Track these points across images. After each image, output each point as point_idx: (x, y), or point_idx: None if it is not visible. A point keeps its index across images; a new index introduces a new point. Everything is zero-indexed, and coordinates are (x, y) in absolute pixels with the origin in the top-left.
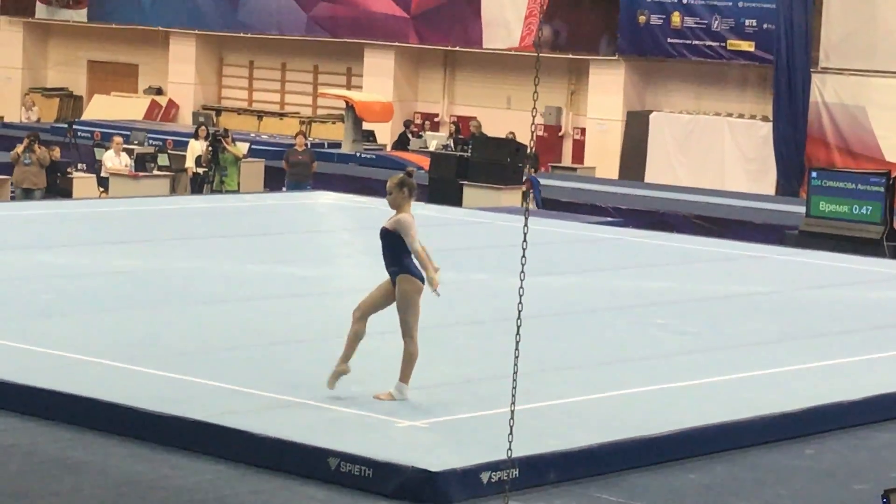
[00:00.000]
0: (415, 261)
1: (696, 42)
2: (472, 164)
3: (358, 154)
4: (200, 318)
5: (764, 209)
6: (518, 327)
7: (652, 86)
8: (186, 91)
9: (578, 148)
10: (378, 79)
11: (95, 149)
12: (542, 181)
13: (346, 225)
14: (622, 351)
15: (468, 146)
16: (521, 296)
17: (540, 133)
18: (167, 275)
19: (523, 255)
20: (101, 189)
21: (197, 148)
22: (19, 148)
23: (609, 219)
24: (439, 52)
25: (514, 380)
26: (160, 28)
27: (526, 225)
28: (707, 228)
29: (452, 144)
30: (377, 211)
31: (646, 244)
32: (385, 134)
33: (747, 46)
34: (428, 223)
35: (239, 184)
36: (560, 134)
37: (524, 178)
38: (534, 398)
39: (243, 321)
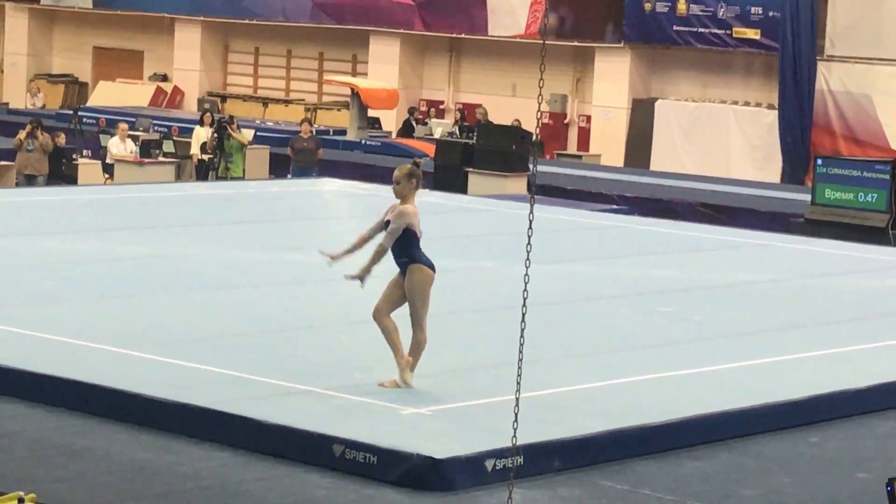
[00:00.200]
0: (422, 250)
1: (702, 30)
2: (478, 152)
3: (363, 141)
4: (205, 304)
5: (769, 197)
6: (523, 315)
7: (657, 73)
8: (192, 78)
9: (584, 135)
10: (383, 66)
11: (100, 135)
12: (548, 169)
13: (351, 212)
14: (627, 339)
15: (473, 133)
16: (526, 283)
17: (545, 120)
18: (172, 261)
19: (528, 243)
20: (107, 175)
21: (202, 135)
22: (22, 134)
23: (614, 206)
24: (444, 40)
25: (519, 367)
26: (165, 14)
27: (531, 212)
28: (712, 216)
29: (458, 132)
30: (382, 198)
31: (651, 232)
32: (390, 121)
33: (753, 34)
34: (433, 210)
35: (244, 170)
36: (565, 121)
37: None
38: (539, 386)
39: (248, 308)
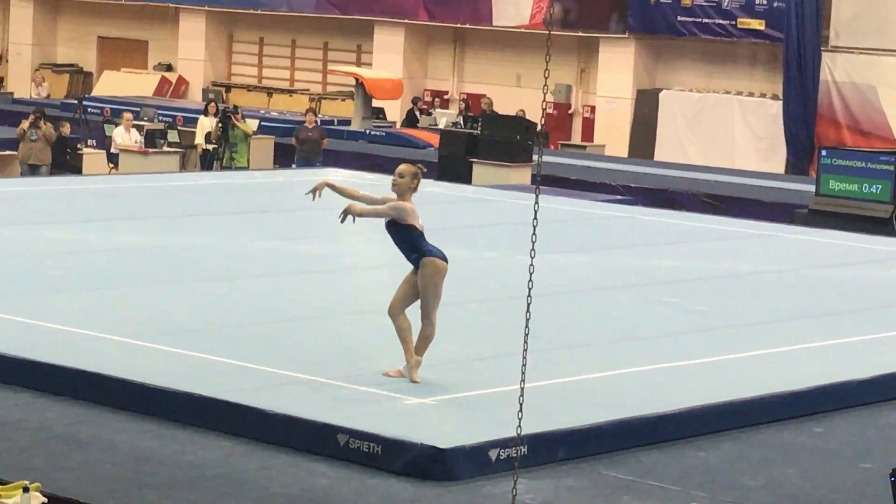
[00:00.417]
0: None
1: (707, 20)
2: (482, 142)
3: (367, 131)
4: (210, 294)
5: (773, 188)
6: (528, 305)
7: (662, 64)
8: (196, 67)
9: (588, 126)
10: (388, 56)
11: (105, 125)
12: (552, 159)
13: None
14: (631, 329)
15: (477, 124)
16: (530, 273)
17: (550, 111)
18: (176, 251)
19: (533, 233)
20: (111, 165)
21: (207, 124)
22: (25, 124)
23: (618, 197)
24: (449, 30)
25: (524, 357)
26: (170, 4)
27: (536, 202)
28: (716, 207)
29: (462, 122)
30: (386, 188)
31: (655, 222)
32: (395, 111)
33: (758, 25)
34: (437, 201)
35: (249, 160)
36: (570, 112)
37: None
38: (543, 376)
39: (253, 298)
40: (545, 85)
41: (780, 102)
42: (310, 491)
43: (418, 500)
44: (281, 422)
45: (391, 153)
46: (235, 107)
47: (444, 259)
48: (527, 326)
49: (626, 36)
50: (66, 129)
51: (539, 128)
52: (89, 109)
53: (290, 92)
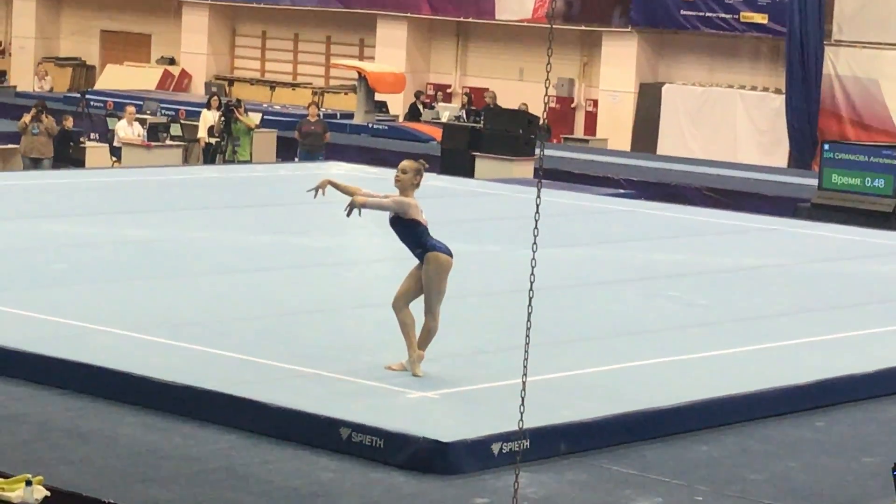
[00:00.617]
0: (434, 237)
1: (709, 14)
2: (485, 136)
3: (370, 125)
4: (212, 288)
5: (776, 182)
6: (530, 299)
7: (664, 58)
8: (199, 61)
9: (591, 120)
10: (391, 50)
11: (108, 118)
12: (555, 153)
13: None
14: (633, 323)
15: (480, 117)
16: (533, 267)
17: (552, 105)
18: (179, 245)
19: (535, 227)
20: (114, 159)
21: (209, 118)
22: (27, 117)
23: (621, 191)
24: (452, 24)
25: (526, 351)
26: None
27: (539, 196)
28: (719, 201)
29: (465, 116)
30: (389, 182)
31: (658, 216)
32: (397, 105)
33: (760, 19)
34: (440, 194)
35: (251, 154)
36: (572, 105)
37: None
38: (545, 370)
39: (255, 291)
40: (547, 79)
41: (783, 96)
42: (312, 484)
43: (421, 493)
44: (283, 415)
45: (394, 147)
46: (238, 100)
47: (449, 254)
48: (529, 320)
49: (629, 30)
50: (69, 123)
51: (541, 122)
52: (92, 103)
53: (293, 86)
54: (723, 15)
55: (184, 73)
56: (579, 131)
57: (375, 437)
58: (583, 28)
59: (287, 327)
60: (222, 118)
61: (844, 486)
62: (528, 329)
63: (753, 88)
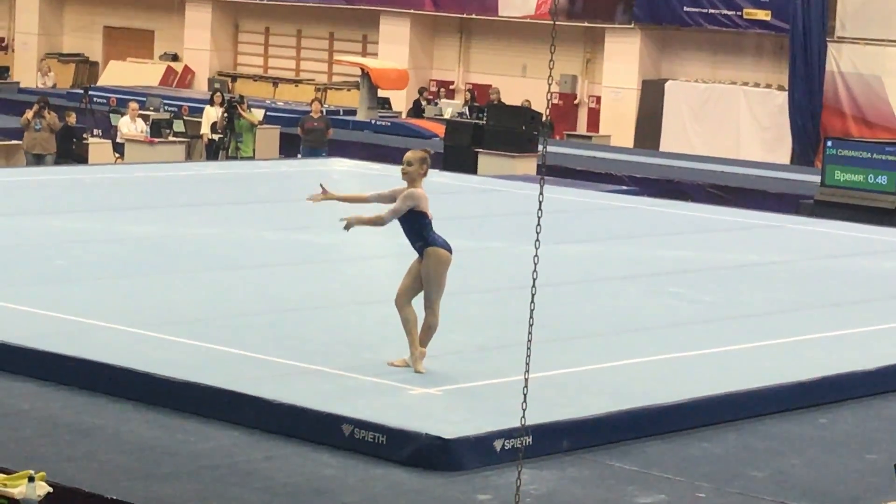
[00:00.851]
0: (436, 231)
1: (713, 10)
2: (488, 132)
3: (373, 121)
4: (215, 284)
5: (779, 178)
6: (533, 295)
7: (667, 54)
8: (202, 57)
9: (594, 116)
10: (393, 46)
11: (111, 115)
12: (558, 149)
13: (360, 192)
14: (636, 319)
15: (483, 114)
16: (535, 264)
17: (555, 101)
18: (182, 241)
19: (538, 223)
20: (117, 155)
21: (212, 114)
22: (29, 113)
23: (624, 187)
24: (455, 20)
25: (529, 348)
26: None
27: (541, 193)
28: (722, 197)
29: (468, 112)
30: (392, 178)
31: (660, 213)
32: (400, 101)
33: (763, 15)
34: (443, 191)
35: (254, 150)
36: (575, 102)
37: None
38: (548, 366)
39: (258, 287)
40: (550, 75)
41: (786, 93)
42: (315, 481)
43: (423, 490)
44: (286, 411)
45: (396, 143)
46: (241, 97)
47: (449, 250)
48: (532, 317)
49: (632, 26)
50: (72, 119)
51: (544, 118)
52: (95, 99)
53: (296, 82)
54: (726, 11)
55: (187, 70)
56: (582, 128)
57: (378, 434)
58: (586, 24)
59: (290, 324)
60: (225, 114)
61: (847, 482)
62: (531, 325)
63: (756, 85)
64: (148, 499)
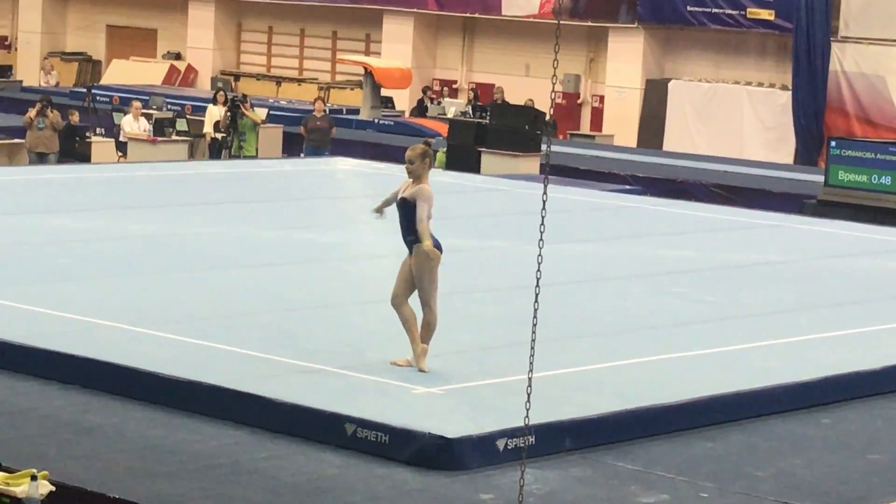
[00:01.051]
0: (430, 229)
1: (716, 10)
2: (491, 131)
3: (376, 120)
4: (218, 283)
5: (782, 178)
6: (536, 295)
7: (671, 54)
8: (205, 56)
9: (597, 115)
10: (397, 45)
11: (114, 113)
12: (561, 149)
13: (363, 191)
14: (640, 319)
15: (486, 113)
16: (539, 263)
17: (558, 100)
18: (185, 240)
19: (542, 223)
20: (120, 153)
21: (215, 113)
22: (32, 112)
23: (627, 187)
24: (458, 19)
25: (532, 347)
26: None
27: (545, 192)
28: (725, 197)
29: (471, 111)
30: (395, 177)
31: (664, 212)
32: (403, 100)
33: (767, 15)
34: (446, 190)
35: (257, 149)
36: (578, 101)
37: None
38: (551, 366)
39: (261, 287)
40: (554, 75)
41: (790, 93)
42: (317, 480)
43: (425, 489)
44: (289, 411)
45: (399, 142)
46: (244, 96)
47: (439, 248)
48: (535, 316)
49: (636, 26)
50: (75, 118)
51: (548, 117)
52: (98, 98)
53: (299, 81)
54: (729, 11)
55: (190, 69)
56: (585, 127)
57: (381, 433)
58: (589, 24)
59: (292, 323)
60: (228, 113)
61: (850, 483)
62: (534, 325)
63: (760, 85)
64: (150, 498)
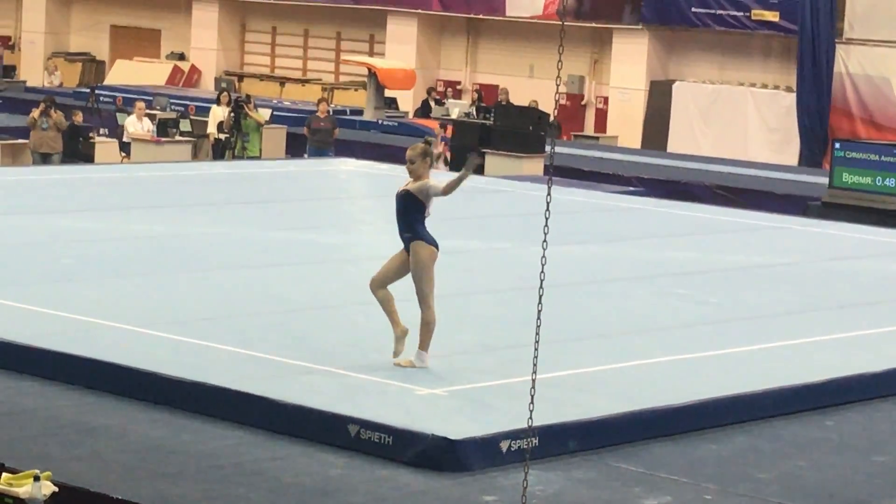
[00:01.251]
0: (427, 228)
1: (721, 11)
2: (495, 132)
3: (380, 121)
4: (221, 283)
5: (787, 180)
6: (540, 296)
7: (675, 55)
8: (209, 57)
9: (601, 117)
10: (401, 46)
11: (118, 114)
12: (565, 150)
13: (367, 192)
14: (643, 321)
15: (490, 114)
16: (543, 264)
17: (563, 102)
18: (188, 240)
19: (545, 224)
20: (123, 154)
21: (219, 114)
22: (35, 112)
23: (631, 188)
24: (462, 20)
25: (536, 349)
26: None
27: (549, 193)
28: (729, 199)
29: (475, 112)
30: (398, 178)
31: (668, 214)
32: (407, 101)
33: (772, 16)
34: None
35: (261, 150)
36: (583, 103)
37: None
38: (554, 367)
39: (264, 287)
40: (558, 76)
41: (794, 94)
42: (321, 481)
43: (429, 491)
44: (292, 412)
45: (403, 143)
46: (248, 96)
47: (436, 246)
48: (539, 317)
49: (640, 27)
50: (79, 118)
51: (552, 119)
52: (102, 98)
53: (303, 81)
54: (734, 13)
55: (193, 69)
56: (590, 128)
57: (384, 434)
58: (594, 25)
59: (296, 323)
60: (232, 114)
61: (854, 485)
62: (538, 326)
63: (764, 86)
64: (154, 498)
